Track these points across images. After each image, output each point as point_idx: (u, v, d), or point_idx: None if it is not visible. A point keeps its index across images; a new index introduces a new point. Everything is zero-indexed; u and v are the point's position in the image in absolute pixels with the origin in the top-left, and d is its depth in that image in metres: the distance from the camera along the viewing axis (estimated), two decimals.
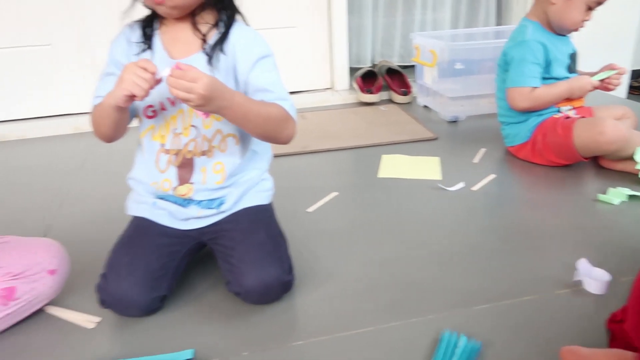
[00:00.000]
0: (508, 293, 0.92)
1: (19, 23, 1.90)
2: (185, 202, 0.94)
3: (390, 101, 2.15)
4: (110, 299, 0.86)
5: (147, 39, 0.92)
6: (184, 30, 0.90)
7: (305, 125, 1.88)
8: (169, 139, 0.92)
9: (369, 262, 1.03)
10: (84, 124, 1.98)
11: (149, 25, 0.93)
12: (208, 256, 1.02)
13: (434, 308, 0.88)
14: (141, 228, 0.94)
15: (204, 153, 0.92)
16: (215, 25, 0.89)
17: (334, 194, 1.32)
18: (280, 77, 0.91)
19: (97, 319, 0.88)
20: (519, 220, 1.18)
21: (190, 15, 0.88)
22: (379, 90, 2.12)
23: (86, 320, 0.88)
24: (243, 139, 0.94)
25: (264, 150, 1.00)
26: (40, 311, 0.90)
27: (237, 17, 0.92)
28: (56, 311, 0.91)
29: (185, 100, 0.76)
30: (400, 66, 2.29)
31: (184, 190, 0.93)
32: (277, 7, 2.12)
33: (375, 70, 2.23)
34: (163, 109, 0.91)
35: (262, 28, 0.94)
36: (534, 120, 1.43)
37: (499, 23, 2.52)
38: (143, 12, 0.92)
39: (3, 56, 1.93)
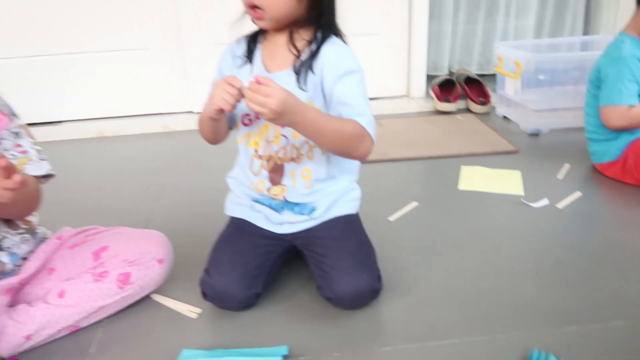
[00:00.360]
0: (598, 316, 0.90)
1: (120, 28, 2.06)
2: (279, 206, 1.00)
3: (468, 110, 2.13)
4: (213, 293, 0.93)
5: (250, 53, 0.98)
6: (281, 46, 0.94)
7: (382, 132, 1.90)
8: (262, 145, 0.98)
9: (453, 273, 1.05)
10: (173, 123, 2.12)
11: (253, 40, 0.99)
12: (297, 257, 1.07)
13: (520, 325, 0.89)
14: (240, 228, 1.01)
15: (293, 159, 0.97)
16: (310, 42, 0.93)
17: (414, 204, 1.34)
18: (364, 93, 0.92)
19: (199, 310, 0.96)
20: (608, 240, 1.16)
21: (289, 31, 0.93)
22: (456, 99, 2.11)
23: (189, 310, 0.97)
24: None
25: (353, 161, 1.04)
26: (147, 298, 1.00)
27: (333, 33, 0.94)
28: (162, 299, 1.00)
29: (259, 113, 0.81)
30: (478, 75, 2.26)
31: (277, 190, 0.99)
32: (359, 15, 2.15)
33: (453, 78, 2.22)
34: (257, 117, 0.97)
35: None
36: (626, 139, 1.38)
37: (586, 31, 2.43)
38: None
39: (104, 59, 2.10)
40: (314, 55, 0.91)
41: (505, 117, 2.01)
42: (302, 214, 1.00)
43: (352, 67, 0.91)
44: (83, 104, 2.16)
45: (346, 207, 1.02)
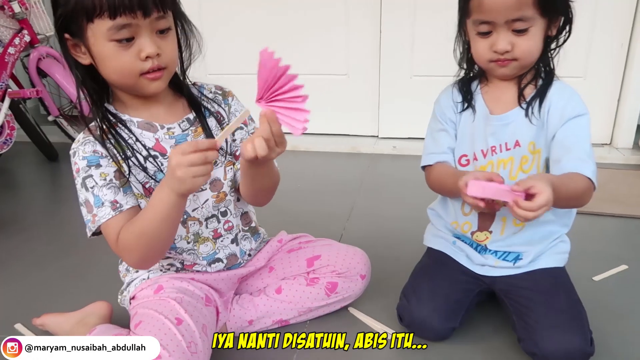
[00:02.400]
0: None
1: (328, 55, 2.26)
2: (482, 248, 1.00)
3: None
4: (411, 320, 0.96)
5: (469, 99, 0.97)
6: (506, 89, 0.94)
7: None
8: None
9: None
10: (359, 146, 2.24)
11: (467, 86, 0.99)
12: (489, 300, 1.05)
13: None
14: (440, 260, 1.03)
15: (506, 203, 0.95)
16: (533, 81, 0.93)
17: (623, 267, 1.22)
18: (588, 138, 0.89)
19: (392, 332, 1.00)
20: None
21: (518, 74, 0.92)
22: None
23: (383, 330, 1.01)
24: None
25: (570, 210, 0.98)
26: (345, 310, 1.07)
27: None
28: (358, 314, 1.07)
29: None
30: None
31: (482, 236, 0.99)
32: (564, 56, 2.04)
33: None
34: (475, 159, 0.97)
35: None
36: None
37: None
38: None
39: (307, 80, 2.30)
40: (541, 97, 0.91)
41: None
42: (505, 260, 0.98)
43: (579, 111, 0.89)
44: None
45: (553, 259, 0.97)
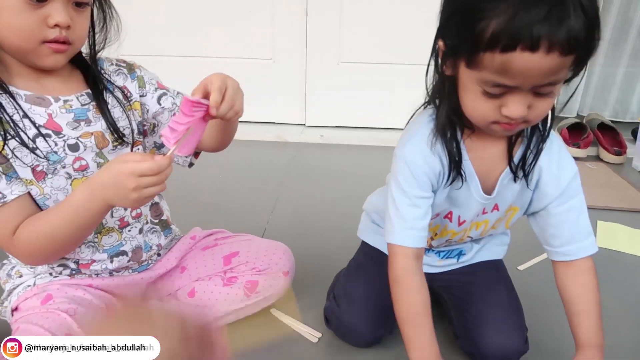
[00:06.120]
0: None
1: (251, 38, 2.13)
2: (426, 250, 0.94)
3: (598, 158, 1.96)
4: (338, 324, 0.90)
5: (458, 165, 0.74)
6: (492, 145, 0.75)
7: None
8: (438, 241, 0.89)
9: None
10: (286, 134, 2.15)
11: (455, 146, 0.73)
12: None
13: None
14: (376, 260, 0.94)
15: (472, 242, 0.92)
16: (520, 135, 0.76)
17: (545, 255, 1.23)
18: (586, 213, 0.77)
19: (319, 334, 0.93)
20: None
21: None
22: (587, 145, 1.95)
23: (309, 333, 0.94)
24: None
25: None
26: (267, 313, 0.98)
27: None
28: (281, 316, 0.98)
29: None
30: (612, 121, 2.08)
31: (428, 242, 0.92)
32: None
33: (584, 122, 2.06)
34: (449, 219, 0.84)
35: None
36: None
37: None
38: None
39: (230, 64, 2.17)
40: (533, 162, 0.75)
41: None
42: (448, 257, 0.93)
43: (573, 174, 0.76)
44: None
45: (494, 251, 0.95)
